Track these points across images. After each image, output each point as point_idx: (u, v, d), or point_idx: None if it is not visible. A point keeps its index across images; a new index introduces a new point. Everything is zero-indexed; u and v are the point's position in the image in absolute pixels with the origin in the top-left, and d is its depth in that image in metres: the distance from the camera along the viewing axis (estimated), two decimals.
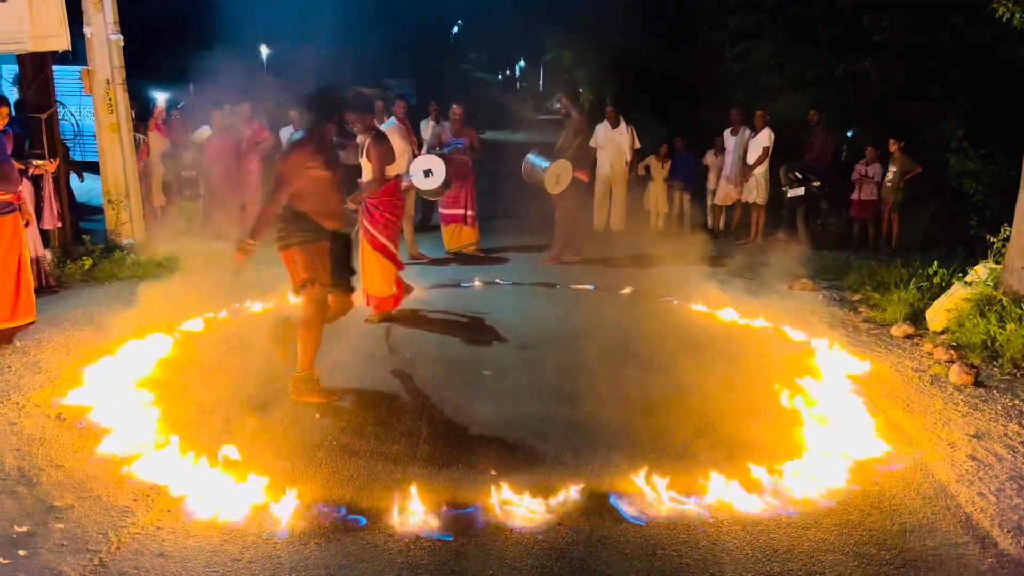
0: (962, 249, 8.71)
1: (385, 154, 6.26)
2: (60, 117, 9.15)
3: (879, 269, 8.38)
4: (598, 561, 3.20)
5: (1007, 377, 5.49)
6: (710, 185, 11.76)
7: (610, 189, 11.51)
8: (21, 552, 3.14)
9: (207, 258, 8.94)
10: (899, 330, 6.58)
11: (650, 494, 3.68)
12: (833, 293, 8.05)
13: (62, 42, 8.34)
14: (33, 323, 6.15)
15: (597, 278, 8.55)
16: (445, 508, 3.55)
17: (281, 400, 4.83)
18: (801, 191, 10.52)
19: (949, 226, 10.01)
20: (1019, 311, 6.04)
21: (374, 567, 3.13)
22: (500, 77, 60.74)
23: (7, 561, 3.08)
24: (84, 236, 8.91)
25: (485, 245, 9.83)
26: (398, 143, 8.99)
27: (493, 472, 3.91)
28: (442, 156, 7.76)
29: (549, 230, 9.54)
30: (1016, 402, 5.03)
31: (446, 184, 7.25)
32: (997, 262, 6.81)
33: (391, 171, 6.46)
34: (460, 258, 9.51)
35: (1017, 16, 7.12)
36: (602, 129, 11.36)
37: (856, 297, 7.82)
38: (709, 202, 11.80)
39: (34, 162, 7.43)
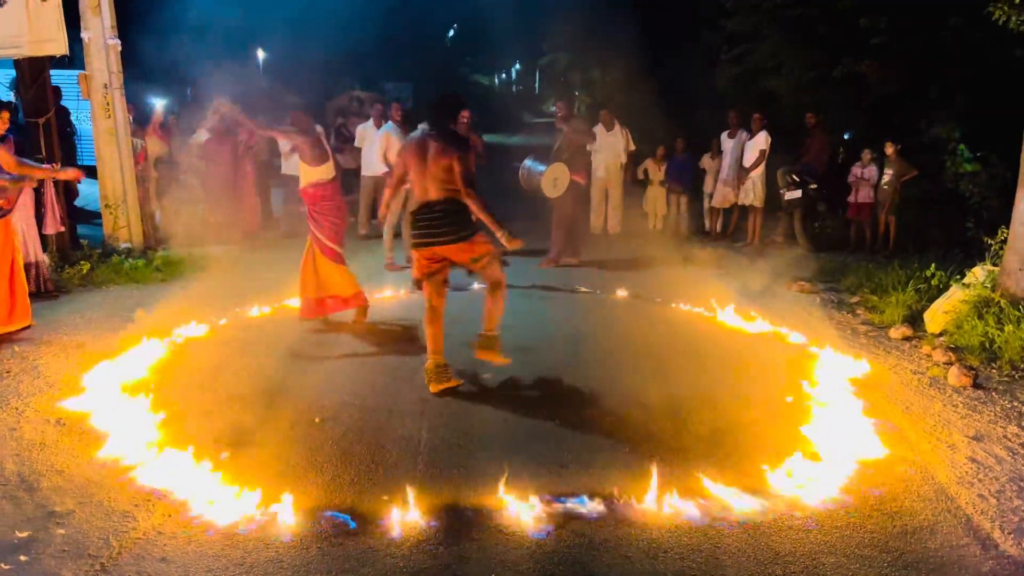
0: (959, 251, 8.73)
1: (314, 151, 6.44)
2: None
3: (877, 271, 8.40)
4: (600, 565, 3.20)
5: (1005, 379, 5.50)
6: (707, 188, 11.78)
7: (607, 192, 11.52)
8: (22, 558, 3.14)
9: (205, 262, 8.96)
10: (897, 332, 6.60)
11: (652, 497, 3.68)
12: (831, 295, 8.07)
13: (60, 46, 8.35)
14: (30, 327, 6.14)
15: (595, 281, 8.56)
16: (446, 512, 3.55)
17: (281, 405, 4.83)
18: (798, 193, 10.54)
19: (946, 228, 10.02)
20: (1017, 313, 6.06)
21: (376, 571, 3.12)
22: (496, 80, 60.72)
23: (9, 567, 3.08)
24: (82, 241, 8.91)
25: None
26: (397, 146, 9.01)
27: (493, 476, 3.91)
28: None
29: (546, 233, 9.54)
30: (1015, 404, 5.04)
31: None
32: (994, 264, 6.82)
33: (323, 174, 6.46)
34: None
35: (1014, 19, 7.14)
36: (597, 132, 11.37)
37: (854, 299, 7.84)
38: (706, 205, 11.82)
39: (55, 166, 7.43)
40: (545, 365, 5.72)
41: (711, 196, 11.68)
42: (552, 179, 8.72)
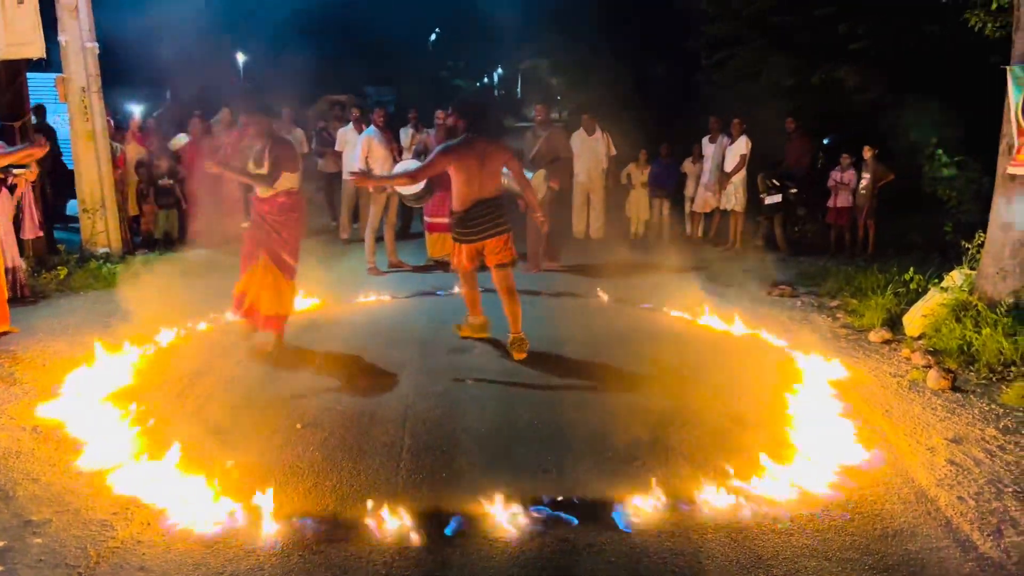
0: (938, 255, 8.81)
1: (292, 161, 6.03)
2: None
3: (856, 275, 8.46)
4: (583, 570, 3.20)
5: (983, 381, 5.56)
6: (688, 192, 11.82)
7: (588, 197, 11.54)
8: None
9: (184, 268, 8.89)
10: (877, 335, 6.65)
11: (634, 501, 3.68)
12: (811, 299, 8.12)
13: (36, 49, 8.27)
14: (7, 333, 6.07)
15: (577, 285, 8.57)
16: (429, 518, 3.54)
17: (262, 410, 4.79)
18: (778, 198, 10.61)
19: (925, 232, 10.11)
20: (994, 316, 6.12)
21: None
22: (478, 84, 60.79)
23: None
24: (59, 246, 8.82)
25: None
26: (379, 151, 8.99)
27: (476, 481, 3.90)
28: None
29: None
30: (992, 406, 5.09)
31: (428, 190, 7.23)
32: (972, 268, 6.89)
33: (294, 181, 6.03)
34: (442, 266, 9.49)
35: (989, 25, 7.23)
36: (578, 137, 11.39)
37: (834, 303, 7.88)
38: (687, 209, 11.87)
39: (14, 171, 7.35)
40: (527, 370, 5.71)
41: (692, 200, 11.72)
42: (536, 185, 8.72)
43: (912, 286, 7.32)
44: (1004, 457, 4.31)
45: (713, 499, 3.73)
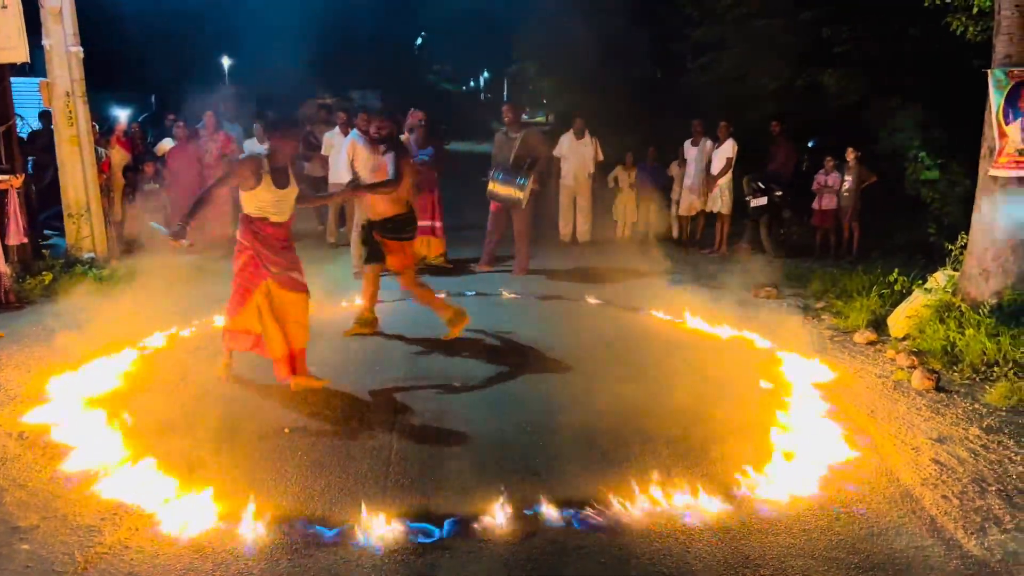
0: (921, 256, 8.88)
1: None
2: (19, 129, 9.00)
3: (841, 277, 8.52)
4: (573, 571, 3.22)
5: (967, 382, 5.61)
6: (674, 195, 11.86)
7: (575, 200, 11.57)
8: None
9: (170, 272, 8.85)
10: (862, 337, 6.70)
11: (623, 503, 3.70)
12: (797, 301, 8.17)
13: (20, 54, 8.22)
14: None
15: (564, 288, 8.58)
16: (417, 521, 3.54)
17: (249, 415, 4.78)
18: (764, 201, 10.66)
19: (909, 234, 10.19)
20: (977, 317, 6.18)
21: None
22: (465, 88, 60.85)
23: None
24: (44, 251, 8.76)
25: (451, 256, 9.81)
26: (363, 154, 8.97)
27: (465, 484, 3.91)
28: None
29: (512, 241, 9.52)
30: (976, 406, 5.14)
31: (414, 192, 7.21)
32: (955, 269, 6.96)
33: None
34: (427, 270, 9.49)
35: (971, 29, 7.32)
36: (567, 139, 11.42)
37: (819, 305, 7.93)
38: (673, 212, 11.91)
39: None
40: (516, 373, 5.72)
41: (678, 203, 11.77)
42: (528, 193, 8.75)
43: (896, 287, 7.37)
44: (987, 456, 4.35)
45: (701, 500, 3.75)
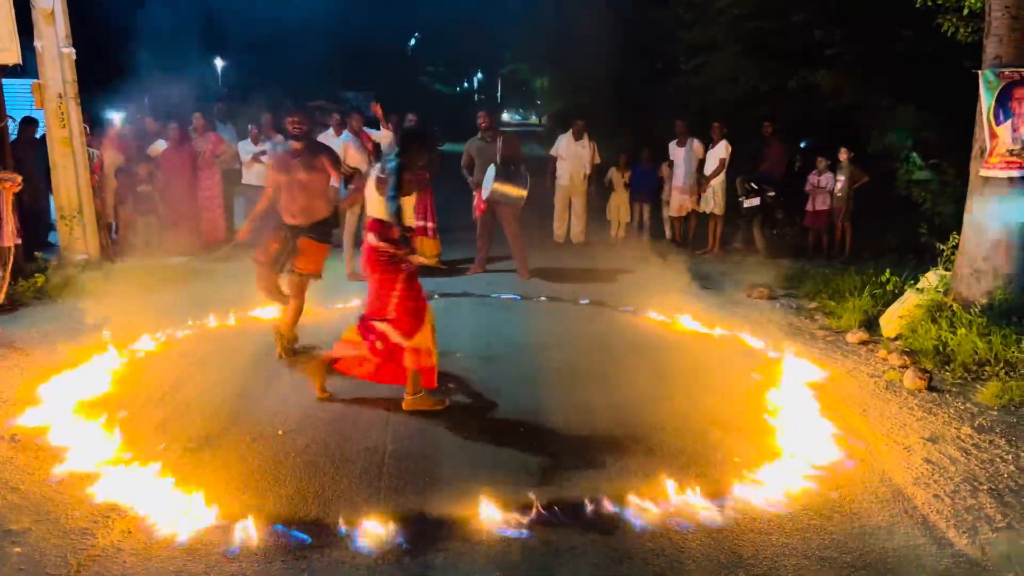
0: (913, 257, 8.91)
1: None
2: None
3: (834, 277, 8.55)
4: (566, 571, 3.22)
5: (959, 381, 5.63)
6: (665, 196, 11.88)
7: (570, 201, 11.59)
8: None
9: (163, 275, 8.84)
10: (854, 337, 6.72)
11: (616, 503, 3.70)
12: (789, 301, 8.19)
13: (12, 55, 8.19)
14: None
15: (558, 289, 8.59)
16: (412, 522, 3.54)
17: (243, 417, 4.78)
18: (757, 201, 10.69)
19: (901, 234, 10.22)
20: (969, 316, 6.21)
21: None
22: (458, 89, 60.82)
23: None
24: (36, 253, 8.73)
25: (444, 257, 9.81)
26: (355, 156, 8.98)
27: (459, 485, 3.91)
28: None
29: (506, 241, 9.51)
30: (968, 405, 5.16)
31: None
32: (947, 269, 6.99)
33: None
34: (420, 271, 9.47)
35: (962, 30, 7.35)
36: (564, 140, 11.44)
37: (812, 305, 7.96)
38: (665, 213, 11.93)
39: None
40: (509, 374, 5.73)
41: (668, 204, 11.78)
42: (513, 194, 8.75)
43: (888, 287, 7.40)
44: (979, 455, 4.37)
45: (694, 500, 3.76)
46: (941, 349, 6.02)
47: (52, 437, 4.41)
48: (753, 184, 10.69)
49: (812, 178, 10.64)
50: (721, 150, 10.86)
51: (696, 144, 11.08)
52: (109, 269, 8.85)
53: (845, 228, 10.44)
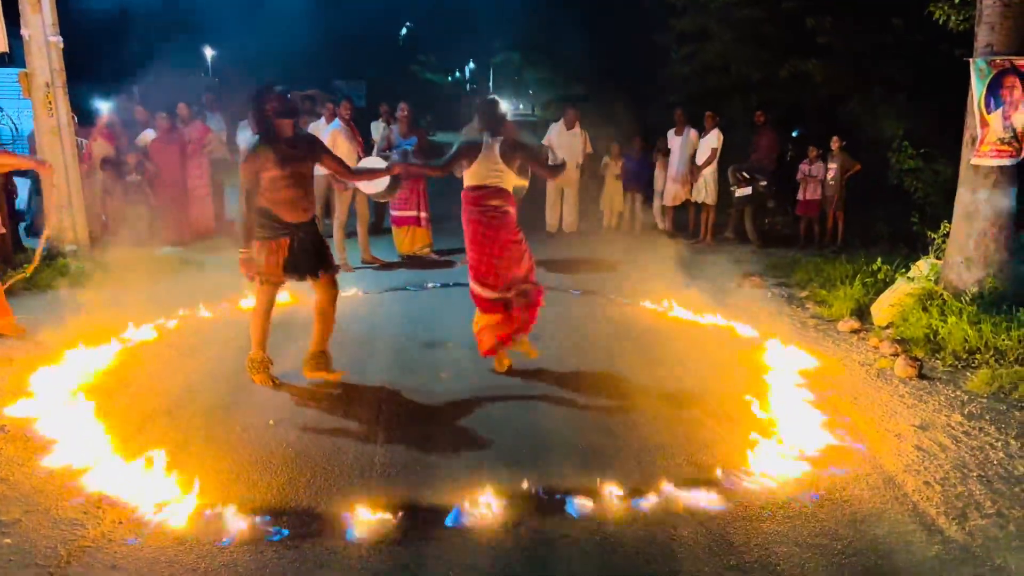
0: (904, 246, 8.94)
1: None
2: None
3: (825, 266, 8.57)
4: (558, 560, 3.22)
5: (949, 369, 5.66)
6: (657, 186, 11.87)
7: (562, 191, 11.57)
8: None
9: (153, 264, 8.79)
10: (846, 325, 6.74)
11: (608, 492, 3.71)
12: (781, 290, 8.21)
13: None
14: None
15: (550, 279, 8.58)
16: (403, 512, 3.54)
17: (234, 408, 4.76)
18: (748, 190, 10.70)
19: (892, 223, 10.25)
20: (959, 305, 6.23)
21: (333, 573, 3.10)
22: (450, 79, 60.61)
23: None
24: (25, 243, 8.68)
25: (437, 247, 9.80)
26: (343, 145, 8.94)
27: (451, 475, 3.91)
28: (386, 158, 7.68)
29: None
30: (958, 393, 5.18)
31: (395, 185, 7.18)
32: (938, 258, 7.01)
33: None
34: (413, 261, 9.47)
35: (953, 19, 7.35)
36: (556, 129, 11.41)
37: (803, 294, 7.98)
38: (657, 203, 11.92)
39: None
40: None
41: (662, 194, 11.78)
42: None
43: (880, 276, 7.43)
44: (969, 443, 4.39)
45: (685, 488, 3.76)
46: (932, 337, 6.04)
47: (42, 428, 4.38)
48: (745, 173, 10.69)
49: (803, 167, 10.65)
50: (713, 139, 10.85)
51: (693, 133, 11.08)
52: (98, 259, 8.79)
53: (837, 217, 10.46)
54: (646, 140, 12.11)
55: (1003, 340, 5.69)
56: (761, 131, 11.25)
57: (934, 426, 4.63)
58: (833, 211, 10.44)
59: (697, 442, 4.33)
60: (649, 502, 3.65)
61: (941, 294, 6.51)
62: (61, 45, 8.85)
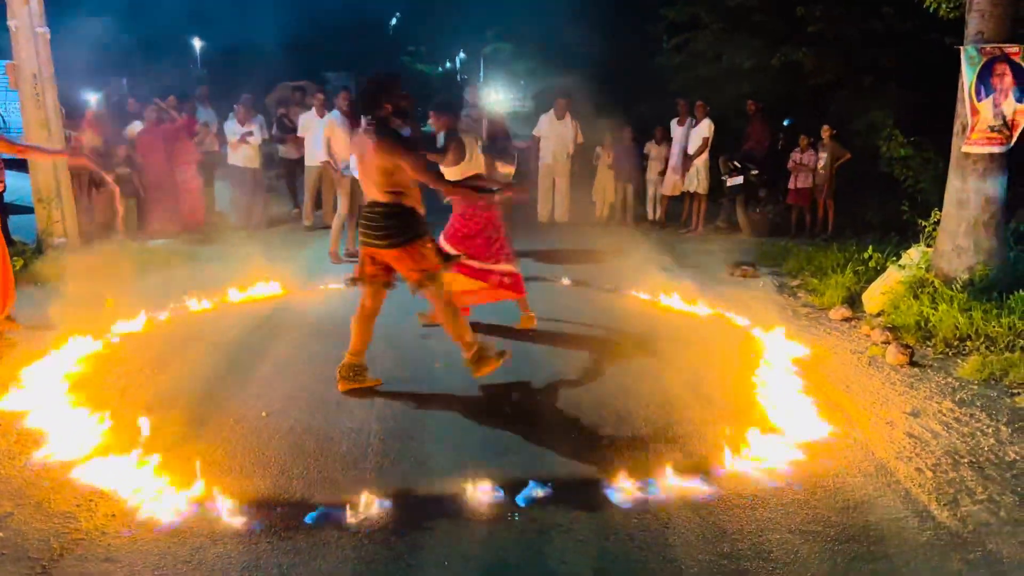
0: (895, 234, 8.97)
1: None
2: None
3: (817, 254, 8.59)
4: (552, 548, 3.23)
5: (940, 356, 5.69)
6: (649, 175, 11.87)
7: (554, 181, 11.56)
8: None
9: (143, 257, 8.75)
10: (837, 313, 6.76)
11: (601, 480, 3.71)
12: (773, 279, 8.23)
13: None
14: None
15: (543, 269, 8.58)
16: (397, 502, 3.54)
17: (226, 400, 4.75)
18: (740, 180, 10.72)
19: (883, 212, 10.29)
20: (950, 292, 6.26)
21: (328, 563, 3.10)
22: (440, 69, 60.34)
23: None
24: (14, 237, 8.61)
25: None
26: (342, 136, 8.90)
27: (445, 464, 3.91)
28: None
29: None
30: (949, 380, 5.21)
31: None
32: (928, 245, 7.03)
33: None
34: None
35: (943, 7, 7.35)
36: (546, 119, 11.39)
37: (795, 282, 8.00)
38: (650, 192, 11.92)
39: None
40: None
41: (654, 183, 11.78)
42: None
43: (871, 264, 7.45)
44: (960, 429, 4.42)
45: (678, 476, 3.77)
46: (923, 325, 6.06)
47: (33, 421, 4.36)
48: (736, 163, 10.71)
49: (794, 156, 10.67)
50: (704, 129, 10.86)
51: (693, 123, 11.06)
52: (88, 252, 8.74)
53: (828, 205, 10.48)
54: (638, 130, 12.11)
55: (993, 327, 5.72)
56: (752, 120, 11.26)
57: (925, 413, 4.65)
58: (824, 200, 10.46)
59: (690, 430, 4.34)
60: (642, 490, 3.66)
61: (932, 282, 6.54)
62: (48, 36, 8.78)
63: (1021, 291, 5.97)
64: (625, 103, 15.51)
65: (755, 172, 10.67)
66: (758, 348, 5.85)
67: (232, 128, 10.75)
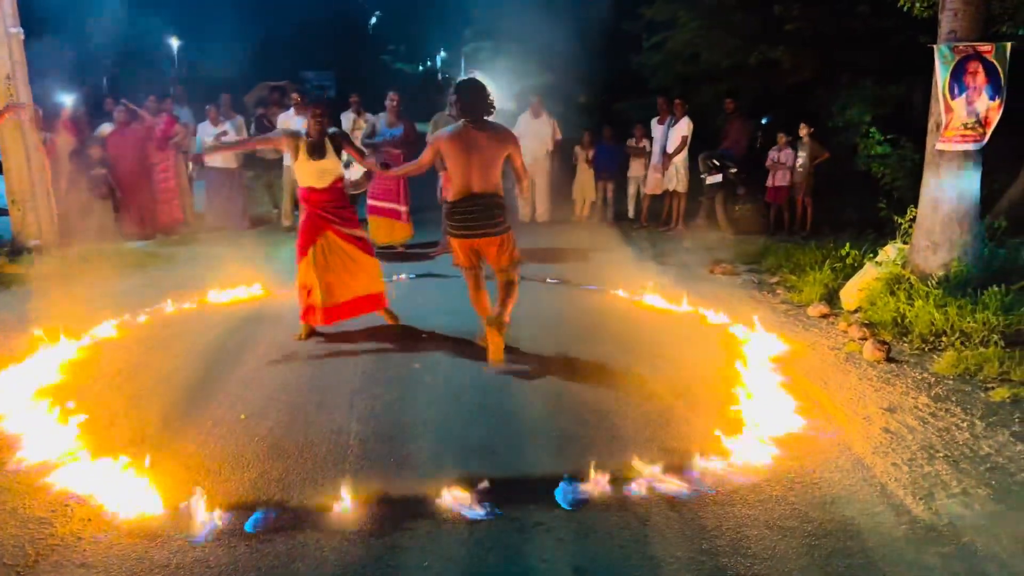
0: (872, 231, 9.04)
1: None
2: None
3: (795, 252, 8.65)
4: (533, 547, 3.23)
5: (916, 352, 5.74)
6: (631, 174, 11.89)
7: (533, 180, 11.55)
8: None
9: (119, 259, 8.68)
10: (815, 310, 6.81)
11: (581, 479, 3.72)
12: (752, 276, 8.28)
13: None
14: None
15: (523, 268, 8.56)
16: (377, 504, 3.53)
17: (204, 402, 4.72)
18: (719, 178, 10.76)
19: (860, 209, 10.36)
20: (926, 289, 6.32)
21: (307, 566, 3.09)
22: (421, 68, 60.24)
23: None
24: None
25: (412, 239, 9.72)
26: None
27: (425, 465, 3.91)
28: (369, 146, 7.65)
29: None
30: (925, 375, 5.26)
31: (367, 176, 7.14)
32: (905, 242, 7.09)
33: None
34: (385, 253, 9.42)
35: (917, 5, 7.42)
36: (524, 119, 11.39)
37: (774, 280, 8.05)
38: (631, 191, 11.95)
39: None
40: (475, 352, 5.71)
41: (636, 181, 11.80)
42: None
43: (848, 261, 7.51)
44: (936, 424, 4.46)
45: (658, 474, 3.79)
46: (899, 321, 6.12)
47: (7, 426, 4.31)
48: (715, 161, 10.74)
49: (772, 154, 10.72)
50: (683, 127, 10.90)
51: (673, 121, 11.09)
52: (63, 255, 8.66)
53: (806, 203, 10.54)
54: (618, 128, 12.13)
55: (968, 323, 5.78)
56: (731, 119, 11.30)
57: (902, 408, 4.70)
58: (802, 197, 10.52)
59: (669, 428, 4.36)
60: (622, 488, 3.67)
61: (908, 278, 6.60)
62: (22, 37, 8.68)
63: (995, 287, 6.04)
64: (605, 101, 15.56)
65: (734, 170, 10.71)
66: (737, 345, 5.88)
67: (206, 129, 10.68)
